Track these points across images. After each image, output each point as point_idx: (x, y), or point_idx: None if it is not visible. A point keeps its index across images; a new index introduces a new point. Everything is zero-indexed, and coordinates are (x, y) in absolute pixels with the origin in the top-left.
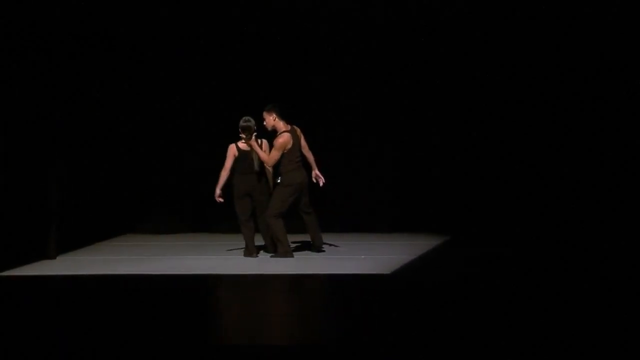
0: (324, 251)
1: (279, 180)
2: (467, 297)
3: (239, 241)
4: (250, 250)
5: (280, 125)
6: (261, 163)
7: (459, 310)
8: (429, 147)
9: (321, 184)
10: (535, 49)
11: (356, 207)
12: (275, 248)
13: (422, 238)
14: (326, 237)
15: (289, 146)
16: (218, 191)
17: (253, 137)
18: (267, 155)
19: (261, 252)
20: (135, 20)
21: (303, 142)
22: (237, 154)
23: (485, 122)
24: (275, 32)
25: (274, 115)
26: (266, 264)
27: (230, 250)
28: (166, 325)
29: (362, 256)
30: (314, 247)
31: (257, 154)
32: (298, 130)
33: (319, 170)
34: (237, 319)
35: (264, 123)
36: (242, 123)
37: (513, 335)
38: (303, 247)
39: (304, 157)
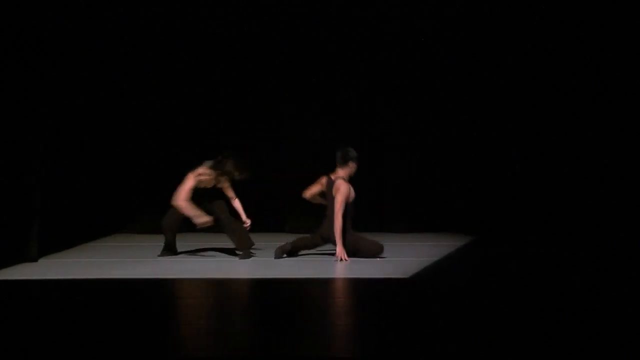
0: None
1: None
2: (490, 301)
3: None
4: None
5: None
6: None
7: (481, 317)
8: (450, 147)
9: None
10: (558, 48)
11: (374, 206)
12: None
13: (441, 239)
14: None
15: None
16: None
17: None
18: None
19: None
20: (120, 17)
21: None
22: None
23: (511, 122)
24: (277, 32)
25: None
26: (272, 268)
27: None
28: (161, 334)
29: (378, 258)
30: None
31: None
32: (323, 179)
33: None
34: (237, 326)
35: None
36: None
37: (535, 339)
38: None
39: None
